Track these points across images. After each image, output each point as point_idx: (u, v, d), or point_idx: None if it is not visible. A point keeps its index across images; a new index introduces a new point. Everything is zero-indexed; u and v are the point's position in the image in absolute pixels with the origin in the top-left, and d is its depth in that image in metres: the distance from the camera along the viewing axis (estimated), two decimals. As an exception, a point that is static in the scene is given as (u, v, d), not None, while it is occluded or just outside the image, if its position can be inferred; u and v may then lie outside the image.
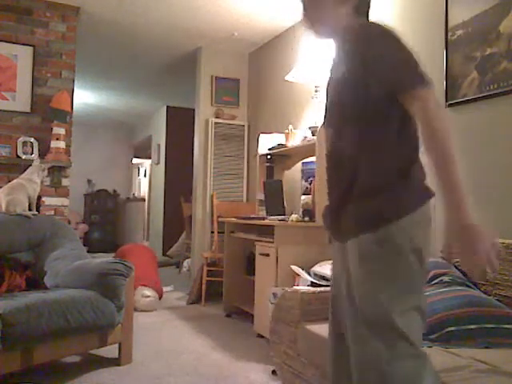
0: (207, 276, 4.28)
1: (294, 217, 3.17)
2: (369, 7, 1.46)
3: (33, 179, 2.99)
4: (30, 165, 3.10)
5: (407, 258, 1.14)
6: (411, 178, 1.21)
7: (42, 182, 3.20)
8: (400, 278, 1.14)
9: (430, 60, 2.74)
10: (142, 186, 9.39)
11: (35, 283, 2.71)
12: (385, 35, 1.23)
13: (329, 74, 1.37)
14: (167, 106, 7.73)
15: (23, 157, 3.58)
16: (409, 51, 1.22)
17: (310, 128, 3.41)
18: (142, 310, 3.97)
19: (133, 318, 2.69)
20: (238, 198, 4.90)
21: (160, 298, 4.35)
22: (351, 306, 1.19)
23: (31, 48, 3.78)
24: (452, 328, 1.76)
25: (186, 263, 6.05)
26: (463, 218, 1.10)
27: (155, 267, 4.64)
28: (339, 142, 1.28)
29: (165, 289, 4.72)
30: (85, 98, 7.09)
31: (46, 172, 3.08)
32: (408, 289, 1.14)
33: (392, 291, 1.12)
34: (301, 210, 3.27)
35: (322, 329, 1.98)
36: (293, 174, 3.99)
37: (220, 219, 4.23)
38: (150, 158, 8.64)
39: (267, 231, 3.22)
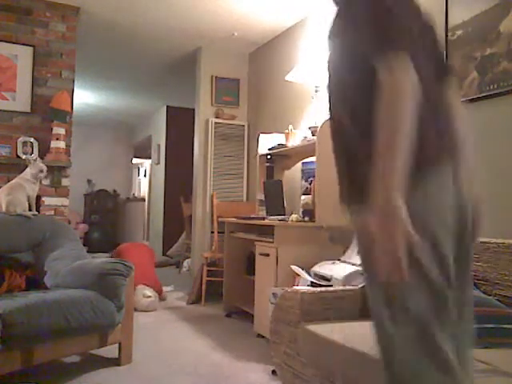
0: (207, 276, 4.28)
1: (293, 217, 3.17)
2: None
3: (32, 179, 2.98)
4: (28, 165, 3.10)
5: None
6: None
7: (40, 182, 3.20)
8: None
9: (430, 60, 2.74)
10: (142, 186, 9.39)
11: (35, 283, 2.71)
12: None
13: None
14: (167, 106, 7.73)
15: (23, 157, 3.58)
16: (384, 7, 1.00)
17: (310, 128, 3.41)
18: (142, 310, 3.97)
19: (133, 318, 2.69)
20: (238, 198, 4.90)
21: (160, 297, 4.35)
22: None
23: (31, 48, 3.78)
24: (452, 328, 1.76)
25: (185, 263, 6.05)
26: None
27: (153, 266, 4.65)
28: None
29: (165, 289, 4.72)
30: (85, 98, 7.09)
31: (44, 171, 3.07)
32: None
33: None
34: (301, 210, 3.27)
35: (322, 329, 1.98)
36: (293, 174, 3.99)
37: (220, 219, 4.23)
38: (150, 158, 8.64)
39: (267, 231, 3.22)
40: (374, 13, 1.01)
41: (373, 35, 0.99)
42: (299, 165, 3.87)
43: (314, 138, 3.22)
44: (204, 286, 4.29)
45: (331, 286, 2.62)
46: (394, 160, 0.93)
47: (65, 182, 3.82)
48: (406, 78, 0.95)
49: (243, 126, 4.96)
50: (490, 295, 2.00)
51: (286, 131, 3.73)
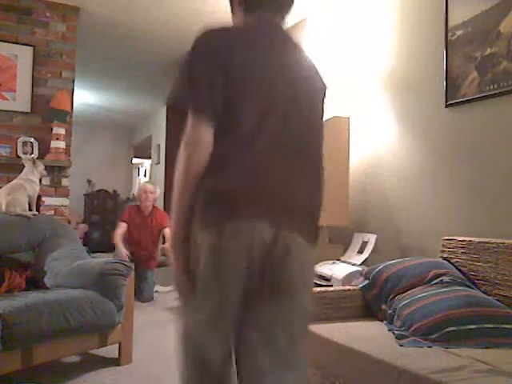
0: (207, 276, 4.27)
1: (293, 217, 3.16)
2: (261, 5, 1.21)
3: (31, 178, 2.98)
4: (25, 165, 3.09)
5: None
6: None
7: (40, 182, 3.20)
8: None
9: (430, 60, 2.74)
10: (142, 186, 9.38)
11: (35, 283, 2.71)
12: (192, 44, 1.14)
13: None
14: (167, 106, 7.73)
15: (23, 157, 3.58)
16: (194, 65, 1.11)
17: (309, 128, 3.41)
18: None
19: (133, 318, 2.69)
20: (237, 198, 4.89)
21: None
22: None
23: (31, 48, 3.77)
24: (452, 328, 1.76)
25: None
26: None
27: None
28: None
29: (164, 289, 4.72)
30: (85, 97, 7.09)
31: (42, 170, 3.06)
32: None
33: None
34: (301, 210, 3.26)
35: (322, 329, 1.98)
36: (293, 174, 3.99)
37: (220, 219, 4.22)
38: (149, 157, 8.64)
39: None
40: (185, 76, 1.12)
41: (185, 94, 1.13)
42: (299, 165, 3.87)
43: (314, 138, 3.22)
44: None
45: (331, 285, 2.62)
46: (175, 201, 1.09)
47: (65, 181, 3.82)
48: (193, 139, 1.07)
49: (243, 126, 4.94)
50: (490, 295, 2.00)
51: (286, 131, 3.73)
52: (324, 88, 1.28)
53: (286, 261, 1.10)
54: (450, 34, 2.59)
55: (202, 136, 1.07)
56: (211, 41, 1.11)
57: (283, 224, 1.09)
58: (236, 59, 1.09)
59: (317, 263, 2.95)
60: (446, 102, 2.60)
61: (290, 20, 4.22)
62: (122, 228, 4.50)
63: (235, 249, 1.05)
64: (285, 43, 1.21)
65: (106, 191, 9.33)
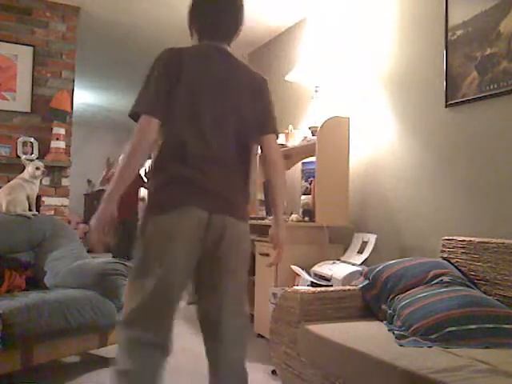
0: (207, 276, 4.28)
1: (294, 217, 3.17)
2: (214, 31, 1.59)
3: (31, 179, 2.98)
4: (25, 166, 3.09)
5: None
6: None
7: (41, 182, 3.20)
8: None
9: (430, 60, 2.74)
10: (142, 186, 9.38)
11: (35, 283, 2.71)
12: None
13: None
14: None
15: (23, 157, 3.58)
16: (150, 76, 1.48)
17: (310, 128, 3.41)
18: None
19: (133, 318, 2.68)
20: (237, 198, 4.89)
21: None
22: None
23: (31, 48, 3.78)
24: (452, 328, 1.76)
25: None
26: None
27: None
28: None
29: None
30: (85, 98, 7.09)
31: (41, 168, 3.06)
32: None
33: None
34: (301, 210, 3.27)
35: (322, 329, 1.98)
36: (293, 174, 3.99)
37: (220, 219, 4.22)
38: (150, 158, 8.62)
39: (267, 231, 3.21)
40: (142, 86, 1.52)
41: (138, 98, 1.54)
42: (299, 165, 3.87)
43: (314, 138, 3.22)
44: (204, 286, 4.29)
45: (331, 285, 2.62)
46: (123, 165, 1.42)
47: (65, 182, 3.82)
48: (139, 128, 1.47)
49: (243, 126, 4.95)
50: (490, 295, 2.00)
51: (286, 131, 3.73)
52: (260, 89, 1.58)
53: (224, 234, 1.44)
54: (449, 34, 2.59)
55: (145, 126, 1.45)
56: (165, 56, 1.48)
57: (217, 209, 1.43)
58: (183, 68, 1.45)
59: (317, 263, 2.95)
60: (446, 102, 2.60)
61: (289, 20, 4.23)
62: None
63: (182, 222, 1.39)
64: (223, 56, 1.55)
65: (106, 191, 9.32)
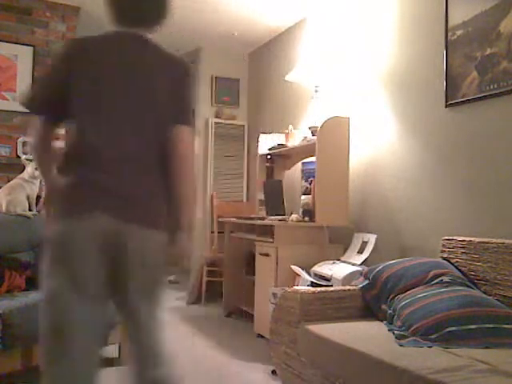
0: (207, 276, 4.28)
1: (294, 217, 3.17)
2: (127, 18, 1.59)
3: (31, 179, 2.98)
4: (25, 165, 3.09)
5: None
6: None
7: (40, 182, 3.19)
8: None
9: (430, 60, 2.74)
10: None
11: (35, 283, 2.71)
12: None
13: None
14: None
15: (23, 157, 3.58)
16: (47, 71, 1.44)
17: (309, 128, 3.41)
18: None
19: (133, 318, 2.68)
20: (238, 198, 4.90)
21: None
22: None
23: (31, 48, 3.78)
24: (452, 328, 1.76)
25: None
26: None
27: None
28: None
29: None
30: (85, 97, 7.08)
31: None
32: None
33: None
34: (301, 209, 3.27)
35: (322, 329, 1.98)
36: (293, 174, 3.99)
37: (220, 219, 4.23)
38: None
39: (267, 231, 3.22)
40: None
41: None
42: (299, 165, 3.87)
43: (314, 138, 3.22)
44: (204, 286, 4.29)
45: (331, 285, 2.62)
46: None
47: (65, 182, 3.81)
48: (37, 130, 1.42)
49: (243, 125, 4.96)
50: (490, 295, 2.00)
51: (286, 131, 3.73)
52: (179, 76, 1.50)
53: (126, 245, 1.27)
54: (449, 34, 2.59)
55: (34, 125, 1.41)
56: (64, 50, 1.42)
57: (122, 216, 1.27)
58: (83, 59, 1.38)
59: (317, 263, 2.95)
60: (446, 102, 2.60)
61: (289, 20, 4.23)
62: None
63: (83, 231, 1.23)
64: (135, 43, 1.48)
65: (106, 191, 9.32)
